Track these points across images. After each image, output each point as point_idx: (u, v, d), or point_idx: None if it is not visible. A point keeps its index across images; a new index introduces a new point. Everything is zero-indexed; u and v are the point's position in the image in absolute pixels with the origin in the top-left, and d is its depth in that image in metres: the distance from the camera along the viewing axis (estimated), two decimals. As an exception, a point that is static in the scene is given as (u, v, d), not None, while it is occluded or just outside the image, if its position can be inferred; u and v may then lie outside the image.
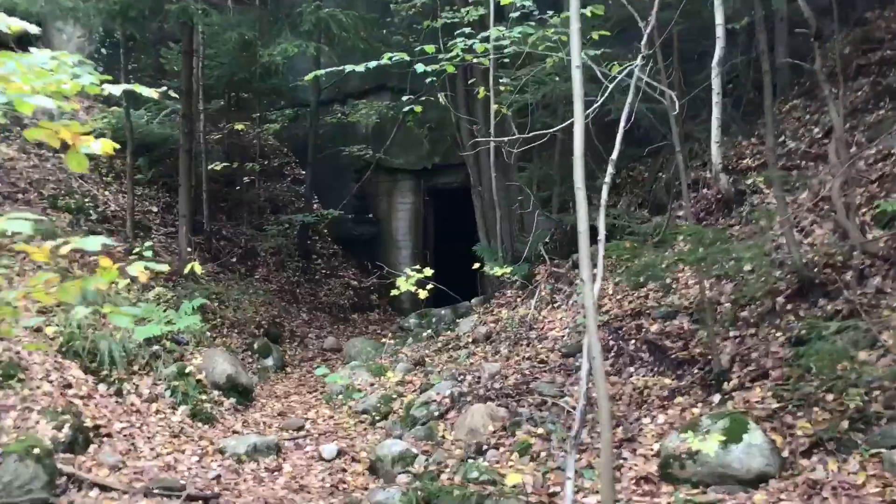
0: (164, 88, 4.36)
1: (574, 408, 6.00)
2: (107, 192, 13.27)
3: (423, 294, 8.77)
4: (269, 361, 10.21)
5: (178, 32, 12.82)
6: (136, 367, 8.10)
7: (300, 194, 16.06)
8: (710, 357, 5.87)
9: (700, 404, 5.58)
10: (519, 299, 9.59)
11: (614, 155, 5.03)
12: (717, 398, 5.57)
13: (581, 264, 4.39)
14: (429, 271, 8.82)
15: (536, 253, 11.06)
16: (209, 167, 13.35)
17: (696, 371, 5.88)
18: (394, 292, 8.83)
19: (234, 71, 14.44)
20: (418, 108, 7.38)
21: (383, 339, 12.46)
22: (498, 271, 9.29)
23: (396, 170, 15.31)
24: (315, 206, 15.78)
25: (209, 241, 13.18)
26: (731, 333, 6.08)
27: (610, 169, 4.99)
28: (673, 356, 6.06)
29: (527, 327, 8.06)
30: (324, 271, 14.94)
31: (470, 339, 9.22)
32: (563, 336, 7.41)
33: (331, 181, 16.22)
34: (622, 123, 5.05)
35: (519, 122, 10.62)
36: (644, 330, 6.49)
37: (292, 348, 11.49)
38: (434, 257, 14.62)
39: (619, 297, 7.58)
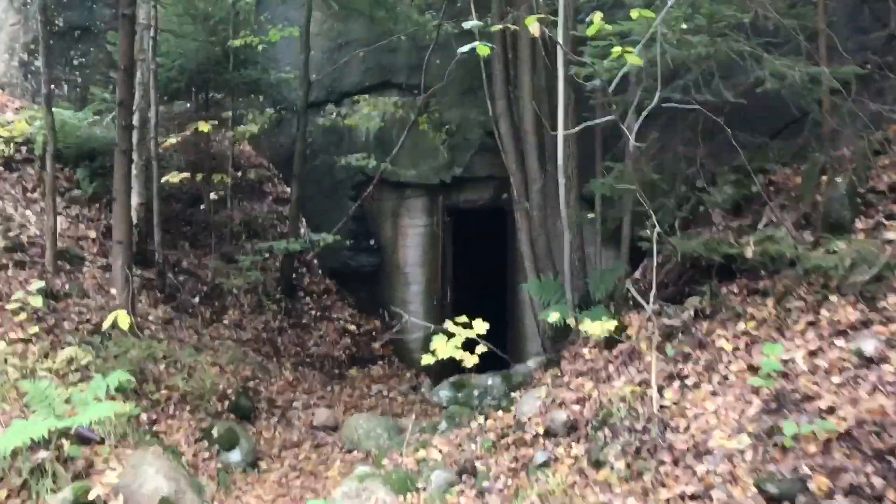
0: None
1: None
2: (28, 212, 10.03)
3: (470, 361, 5.64)
4: (236, 455, 6.95)
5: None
6: (3, 493, 4.84)
7: (283, 216, 12.87)
8: None
9: None
10: (609, 365, 6.40)
11: None
12: None
13: None
14: (482, 326, 5.69)
15: (615, 293, 7.91)
16: (164, 179, 10.14)
17: None
18: (426, 360, 5.68)
19: (200, 59, 11.34)
20: (484, 50, 4.24)
21: (397, 411, 9.27)
22: (593, 328, 6.11)
23: (405, 185, 12.15)
24: (302, 230, 12.59)
25: (162, 276, 9.94)
26: None
27: None
28: None
29: (659, 425, 4.85)
30: (313, 313, 11.70)
31: (540, 430, 6.02)
32: (745, 451, 4.21)
33: (322, 200, 13.05)
34: None
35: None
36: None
37: (270, 427, 8.22)
38: (454, 295, 11.41)
39: (850, 373, 4.37)
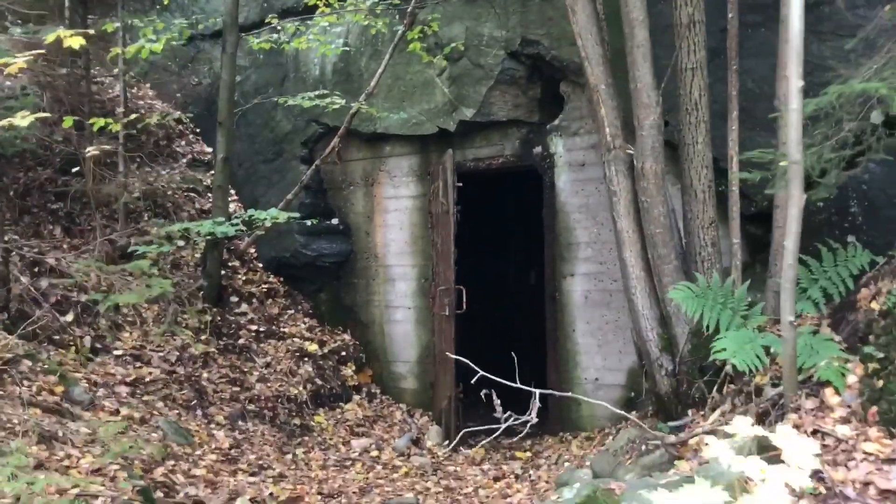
0: None
1: None
2: None
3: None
4: None
5: None
6: None
7: (205, 186, 8.96)
8: None
9: None
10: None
11: None
12: None
13: None
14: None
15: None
16: (4, 122, 6.11)
17: None
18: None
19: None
20: None
21: (408, 498, 5.65)
22: None
23: (384, 137, 8.41)
24: (233, 206, 8.75)
25: (3, 283, 5.96)
26: None
27: None
28: None
29: None
30: (254, 329, 7.87)
31: None
32: None
33: (259, 163, 9.20)
34: None
35: None
36: None
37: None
38: (469, 299, 7.67)
39: None
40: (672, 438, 4.24)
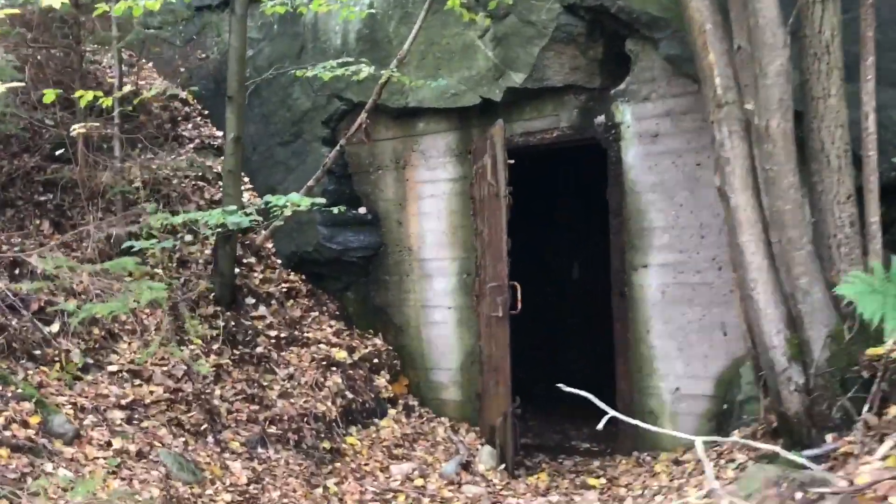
0: None
1: None
2: None
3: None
4: None
5: None
6: None
7: (216, 173, 7.90)
8: None
9: None
10: None
11: None
12: None
13: None
14: None
15: None
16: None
17: None
18: None
19: None
20: None
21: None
22: None
23: (418, 112, 7.32)
24: (247, 195, 7.70)
25: (-31, 289, 4.93)
26: None
27: None
28: None
29: None
30: (273, 337, 6.80)
31: None
32: None
33: (275, 146, 8.14)
34: None
35: None
36: None
37: None
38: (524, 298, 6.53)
39: None
40: (843, 483, 3.13)
